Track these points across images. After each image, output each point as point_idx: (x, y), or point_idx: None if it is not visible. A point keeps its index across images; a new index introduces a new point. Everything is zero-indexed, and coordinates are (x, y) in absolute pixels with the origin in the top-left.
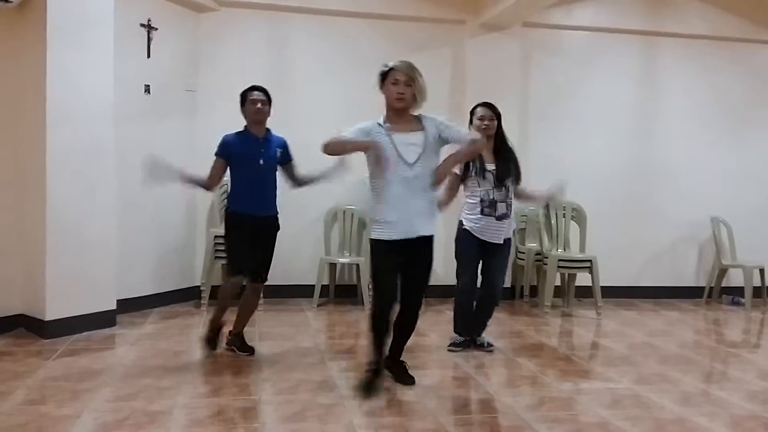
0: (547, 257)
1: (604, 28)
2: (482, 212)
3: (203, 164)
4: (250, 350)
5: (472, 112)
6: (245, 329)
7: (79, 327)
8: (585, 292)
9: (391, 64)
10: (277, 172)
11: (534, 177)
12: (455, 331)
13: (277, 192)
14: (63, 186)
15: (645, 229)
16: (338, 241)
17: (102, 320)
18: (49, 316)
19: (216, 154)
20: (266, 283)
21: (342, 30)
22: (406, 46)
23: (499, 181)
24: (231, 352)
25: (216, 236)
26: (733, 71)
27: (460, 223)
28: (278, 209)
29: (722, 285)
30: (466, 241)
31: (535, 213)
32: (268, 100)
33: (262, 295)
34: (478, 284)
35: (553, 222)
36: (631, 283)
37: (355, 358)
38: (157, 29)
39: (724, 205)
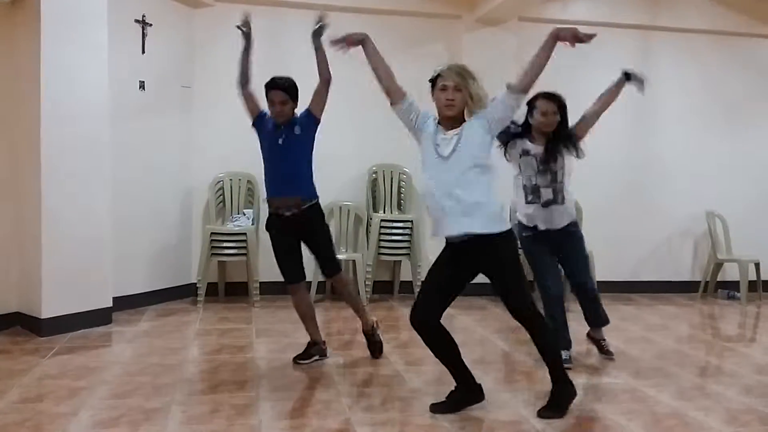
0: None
1: (600, 22)
2: (526, 200)
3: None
4: (379, 346)
5: (531, 105)
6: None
7: (75, 325)
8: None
9: (438, 69)
10: (305, 153)
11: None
12: (564, 347)
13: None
14: (58, 182)
15: (641, 224)
16: (335, 238)
17: (98, 318)
18: (45, 314)
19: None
20: (263, 280)
21: (337, 25)
22: (402, 41)
23: (543, 164)
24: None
25: (212, 233)
26: (729, 66)
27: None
28: (311, 195)
29: (718, 279)
30: (527, 239)
31: None
32: (291, 97)
33: (258, 292)
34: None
35: None
36: (628, 278)
37: (352, 354)
38: (151, 25)
39: (719, 199)
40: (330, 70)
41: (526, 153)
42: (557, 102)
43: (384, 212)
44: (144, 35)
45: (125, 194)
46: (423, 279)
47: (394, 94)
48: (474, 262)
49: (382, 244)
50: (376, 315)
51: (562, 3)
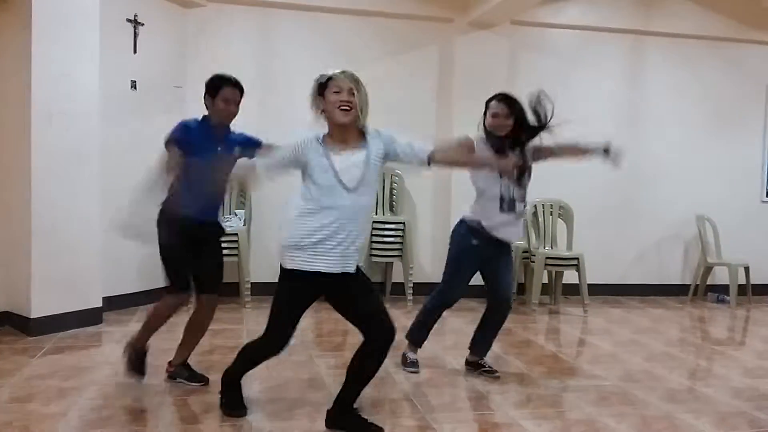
0: (534, 255)
1: (592, 26)
2: (501, 208)
3: None
4: (205, 380)
5: (486, 106)
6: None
7: (64, 324)
8: (572, 290)
9: (330, 72)
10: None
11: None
12: (416, 342)
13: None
14: (48, 182)
15: (631, 227)
16: None
17: (88, 318)
18: (35, 313)
19: (173, 139)
20: (254, 281)
21: (330, 27)
22: (394, 43)
23: (520, 179)
24: (176, 382)
25: None
26: (719, 70)
27: (464, 224)
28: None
29: (707, 283)
30: (471, 248)
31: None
32: (241, 98)
33: (249, 292)
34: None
35: (540, 220)
36: (618, 281)
37: (342, 355)
38: (143, 25)
39: (709, 203)
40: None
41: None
42: (510, 105)
43: (376, 214)
44: (136, 35)
45: (116, 194)
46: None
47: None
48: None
49: (374, 245)
50: None
51: (554, 7)
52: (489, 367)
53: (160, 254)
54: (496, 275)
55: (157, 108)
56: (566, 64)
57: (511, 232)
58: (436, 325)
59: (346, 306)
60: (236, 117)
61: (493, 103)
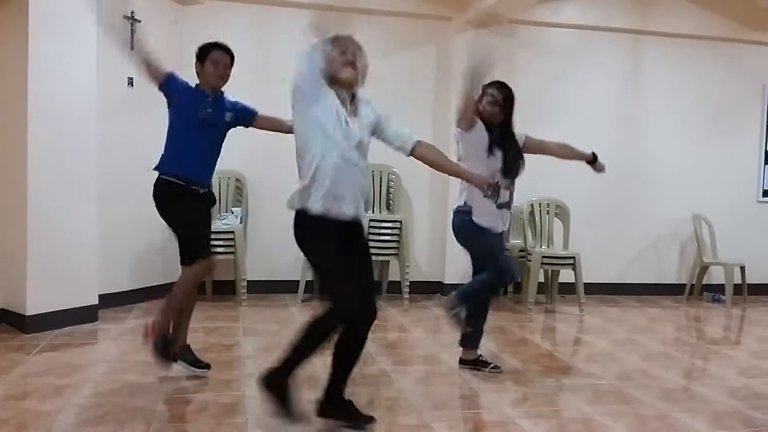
0: (530, 254)
1: (590, 26)
2: (483, 195)
3: None
4: (208, 366)
5: (483, 90)
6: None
7: (60, 322)
8: (568, 289)
9: (335, 34)
10: (222, 140)
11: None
12: (473, 346)
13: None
14: (44, 179)
15: (628, 227)
16: None
17: (84, 315)
18: (30, 310)
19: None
20: (250, 279)
21: (327, 24)
22: (392, 41)
23: (507, 166)
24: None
25: None
26: (717, 70)
27: (462, 213)
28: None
29: (703, 282)
30: (475, 227)
31: (520, 210)
32: (232, 64)
33: (246, 290)
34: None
35: (537, 219)
36: (614, 280)
37: None
38: (140, 22)
39: (706, 203)
40: None
41: (497, 145)
42: (506, 93)
43: (372, 212)
44: (133, 32)
45: (112, 191)
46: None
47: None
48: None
49: (371, 244)
50: None
51: (552, 6)
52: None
53: (176, 227)
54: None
55: (153, 105)
56: (564, 64)
57: (498, 223)
58: (433, 324)
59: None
60: (227, 82)
61: (491, 90)
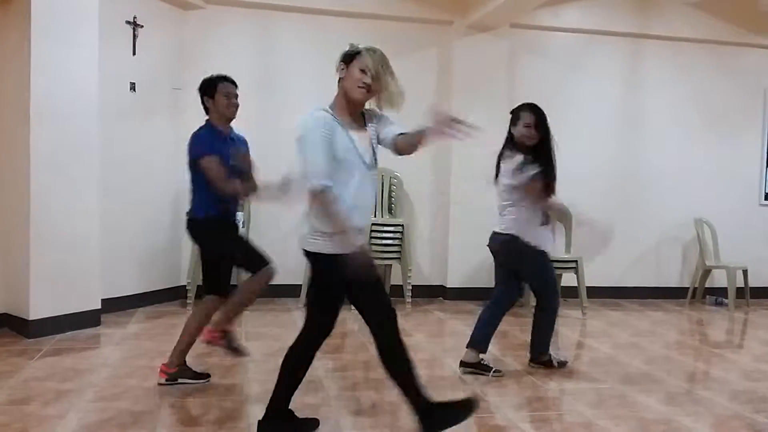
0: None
1: (591, 30)
2: (542, 223)
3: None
4: (208, 375)
5: (515, 115)
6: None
7: (63, 326)
8: (571, 293)
9: (362, 47)
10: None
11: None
12: (480, 349)
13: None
14: (47, 184)
15: (630, 230)
16: None
17: (86, 320)
18: (33, 315)
19: (205, 153)
20: None
21: (329, 29)
22: (394, 46)
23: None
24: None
25: None
26: (717, 74)
27: (524, 243)
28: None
29: (706, 286)
30: (543, 257)
31: None
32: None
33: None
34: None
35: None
36: (617, 284)
37: (341, 358)
38: (142, 26)
39: (708, 206)
40: None
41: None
42: (540, 115)
43: (375, 216)
44: (135, 36)
45: (115, 195)
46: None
47: None
48: None
49: (373, 248)
50: None
51: (553, 10)
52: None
53: (212, 261)
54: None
55: (155, 110)
56: (565, 68)
57: (545, 238)
58: (435, 328)
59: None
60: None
61: (524, 113)
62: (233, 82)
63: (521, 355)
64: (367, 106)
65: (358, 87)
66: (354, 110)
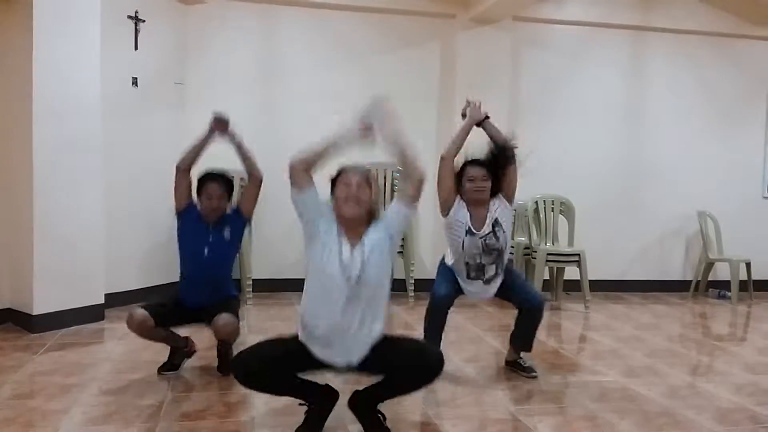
0: (535, 251)
1: (594, 22)
2: (468, 276)
3: None
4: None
5: (461, 172)
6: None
7: (67, 321)
8: (573, 286)
9: (341, 166)
10: (231, 256)
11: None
12: (516, 348)
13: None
14: (50, 179)
15: (633, 223)
16: None
17: (90, 314)
18: (37, 310)
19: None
20: (256, 277)
21: (331, 23)
22: (396, 39)
23: (488, 248)
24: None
25: None
26: (721, 67)
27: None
28: (230, 292)
29: (709, 279)
30: (445, 272)
31: (524, 207)
32: (228, 190)
33: (251, 289)
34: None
35: (541, 216)
36: (619, 277)
37: None
38: (144, 21)
39: (711, 199)
40: (259, 169)
41: (470, 232)
42: (486, 167)
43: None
44: (137, 31)
45: (118, 191)
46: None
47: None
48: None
49: None
50: None
51: (556, 3)
52: (528, 365)
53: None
54: (511, 298)
55: (158, 105)
56: (568, 60)
57: (478, 295)
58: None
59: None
60: (225, 209)
61: (468, 168)
62: (221, 179)
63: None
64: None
65: (344, 200)
66: (351, 226)
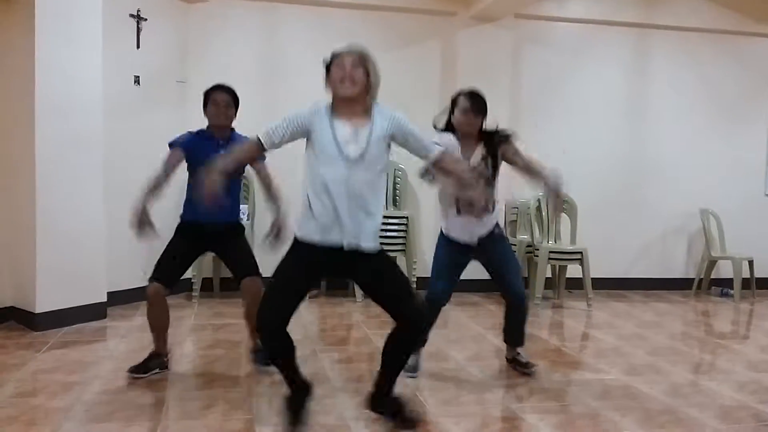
0: (538, 249)
1: (596, 20)
2: (458, 211)
3: None
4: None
5: (453, 102)
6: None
7: (69, 319)
8: (576, 284)
9: (336, 50)
10: (239, 178)
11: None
12: (510, 344)
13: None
14: (52, 178)
15: (635, 221)
16: None
17: (92, 313)
18: (39, 308)
19: (170, 144)
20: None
21: (333, 21)
22: (397, 37)
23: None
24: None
25: None
26: (723, 64)
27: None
28: (236, 216)
29: (711, 277)
30: (441, 247)
31: (527, 205)
32: (234, 103)
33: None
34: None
35: (544, 214)
36: (622, 275)
37: (346, 350)
38: (146, 20)
39: (713, 197)
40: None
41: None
42: (479, 102)
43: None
44: (139, 30)
45: (119, 189)
46: (276, 277)
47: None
48: (345, 271)
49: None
50: (371, 311)
51: (558, 1)
52: (526, 361)
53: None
54: (495, 274)
55: (160, 103)
56: (570, 58)
57: (469, 234)
58: (439, 320)
59: (369, 288)
60: (233, 120)
61: (461, 98)
62: (227, 90)
63: (526, 346)
64: (376, 104)
65: (340, 80)
66: (349, 109)
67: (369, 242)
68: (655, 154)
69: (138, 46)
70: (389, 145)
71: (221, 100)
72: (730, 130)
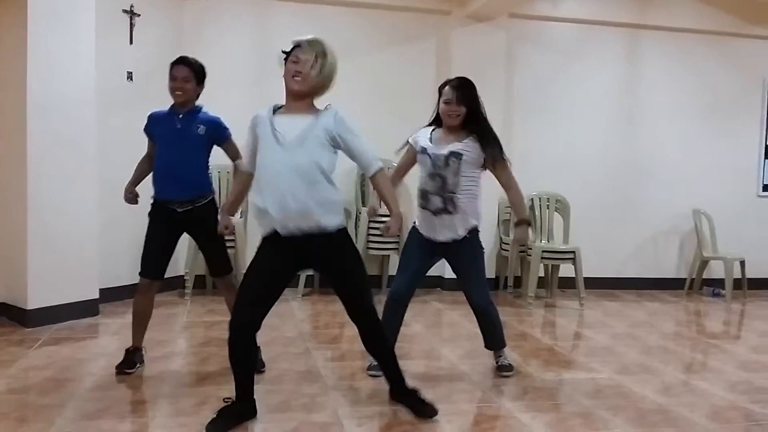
0: (530, 248)
1: (590, 20)
2: (419, 204)
3: None
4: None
5: (439, 91)
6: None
7: (61, 316)
8: (568, 283)
9: (294, 41)
10: (201, 152)
11: (517, 168)
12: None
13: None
14: (44, 174)
15: (628, 221)
16: None
17: (85, 309)
18: (31, 305)
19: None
20: None
21: (327, 19)
22: (392, 36)
23: (435, 171)
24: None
25: None
26: (717, 65)
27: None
28: (203, 191)
29: (703, 277)
30: (409, 238)
31: None
32: (197, 77)
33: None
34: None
35: (537, 213)
36: (614, 275)
37: (339, 348)
38: (139, 15)
39: (706, 197)
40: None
41: (423, 150)
42: (462, 91)
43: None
44: (132, 25)
45: (112, 185)
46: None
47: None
48: (310, 258)
49: (371, 238)
50: None
51: (552, 0)
52: (506, 363)
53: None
54: (460, 280)
55: (153, 99)
56: (563, 57)
57: (432, 230)
58: (433, 319)
59: (329, 278)
60: (191, 95)
61: (446, 88)
62: (186, 63)
63: (519, 345)
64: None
65: (291, 77)
66: (296, 104)
67: (322, 214)
68: (648, 154)
69: (131, 42)
70: (334, 148)
71: (178, 74)
72: (722, 131)
